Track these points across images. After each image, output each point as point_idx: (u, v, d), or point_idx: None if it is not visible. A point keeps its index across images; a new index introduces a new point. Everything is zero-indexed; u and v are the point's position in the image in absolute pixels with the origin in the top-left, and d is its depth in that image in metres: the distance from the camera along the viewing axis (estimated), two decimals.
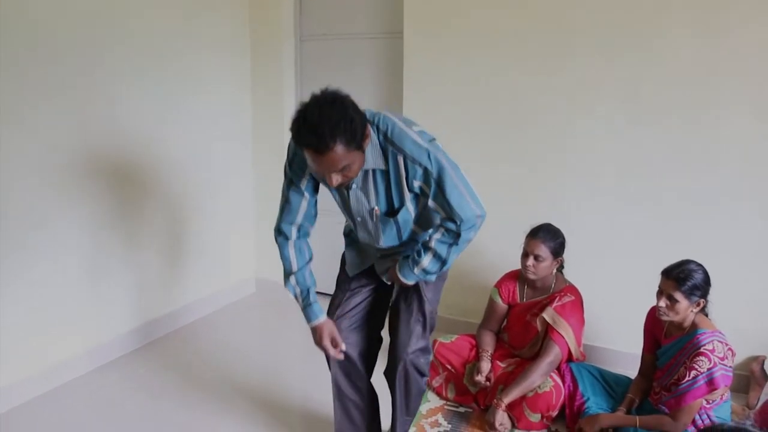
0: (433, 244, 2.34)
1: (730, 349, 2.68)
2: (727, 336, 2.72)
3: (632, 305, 3.27)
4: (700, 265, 2.72)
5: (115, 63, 3.62)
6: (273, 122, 4.64)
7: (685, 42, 3.31)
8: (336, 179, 2.10)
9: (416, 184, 2.25)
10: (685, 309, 2.69)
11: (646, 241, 3.54)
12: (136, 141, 3.83)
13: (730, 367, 2.66)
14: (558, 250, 3.19)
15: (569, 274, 3.35)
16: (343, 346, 2.47)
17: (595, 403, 3.03)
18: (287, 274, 2.57)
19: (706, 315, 2.76)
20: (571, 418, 3.06)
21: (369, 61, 4.43)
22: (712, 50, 3.27)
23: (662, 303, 2.73)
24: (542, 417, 3.06)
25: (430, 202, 2.27)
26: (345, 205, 2.47)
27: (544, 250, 3.15)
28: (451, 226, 2.29)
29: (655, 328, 2.96)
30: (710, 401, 2.72)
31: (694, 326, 2.73)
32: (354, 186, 2.30)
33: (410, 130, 2.22)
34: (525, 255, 3.20)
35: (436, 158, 2.20)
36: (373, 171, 2.26)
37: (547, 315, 3.16)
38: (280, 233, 2.61)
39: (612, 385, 3.12)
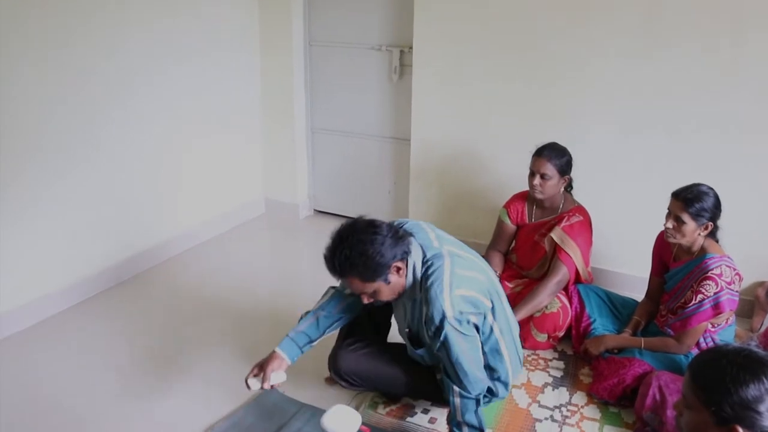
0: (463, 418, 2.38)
1: (737, 274, 2.69)
2: (736, 261, 2.73)
3: (641, 229, 3.28)
4: (711, 188, 2.70)
5: None
6: (281, 37, 4.55)
7: None
8: (365, 299, 2.31)
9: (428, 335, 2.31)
10: (692, 231, 2.69)
11: (657, 164, 3.52)
12: (139, 63, 3.79)
13: (737, 291, 2.69)
14: (565, 168, 3.18)
15: (578, 195, 3.35)
16: (266, 386, 2.45)
17: (601, 324, 3.08)
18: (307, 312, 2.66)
19: (717, 241, 2.77)
20: (577, 338, 3.11)
21: None
22: None
23: (669, 224, 2.73)
24: (549, 337, 3.12)
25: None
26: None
27: (550, 168, 3.14)
28: (466, 394, 2.35)
29: (663, 251, 2.98)
30: (715, 325, 2.76)
31: (702, 251, 2.74)
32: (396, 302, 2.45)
33: (450, 294, 2.21)
34: (531, 174, 3.20)
35: (446, 333, 2.22)
36: (410, 299, 2.36)
37: (555, 235, 3.17)
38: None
39: (618, 308, 3.17)
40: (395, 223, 2.36)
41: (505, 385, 2.55)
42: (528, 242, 3.35)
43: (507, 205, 3.42)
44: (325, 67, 4.64)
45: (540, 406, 2.79)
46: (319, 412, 2.53)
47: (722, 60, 3.26)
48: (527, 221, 3.36)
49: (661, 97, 3.43)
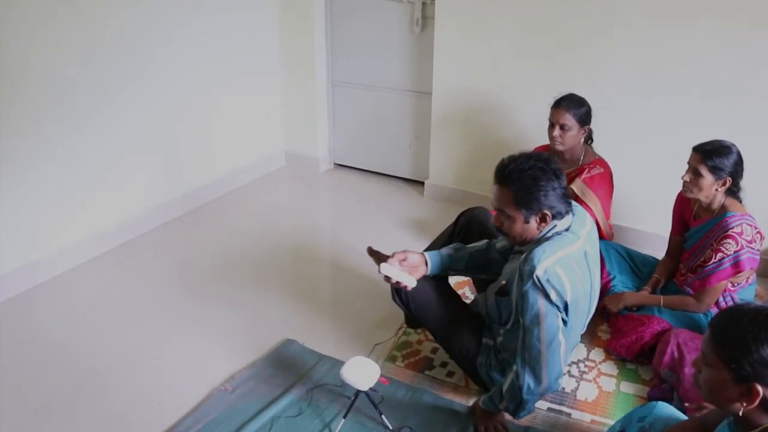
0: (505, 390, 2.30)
1: (759, 232, 2.67)
2: (758, 220, 2.71)
3: (663, 186, 3.24)
4: (733, 144, 2.66)
5: None
6: None
7: None
8: (496, 219, 2.28)
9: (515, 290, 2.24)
10: (709, 185, 2.66)
11: (682, 121, 3.46)
12: (161, 16, 3.78)
13: (758, 250, 2.67)
14: (584, 119, 3.15)
15: (600, 150, 3.32)
16: (395, 277, 2.38)
17: (620, 281, 3.08)
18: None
19: (740, 200, 2.74)
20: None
21: None
22: None
23: (687, 177, 2.70)
24: None
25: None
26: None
27: (569, 119, 3.11)
28: (516, 380, 2.23)
29: (684, 209, 2.95)
30: (735, 284, 2.75)
31: (723, 209, 2.71)
32: (513, 256, 2.38)
33: (553, 262, 2.12)
34: (551, 126, 3.17)
35: (528, 289, 2.14)
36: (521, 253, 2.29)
37: (576, 186, 3.16)
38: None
39: (638, 265, 3.16)
40: None
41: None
42: None
43: None
44: (346, 19, 4.58)
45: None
46: (338, 364, 2.57)
47: (754, 17, 3.18)
48: None
49: (690, 54, 3.36)
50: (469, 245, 2.59)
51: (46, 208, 3.38)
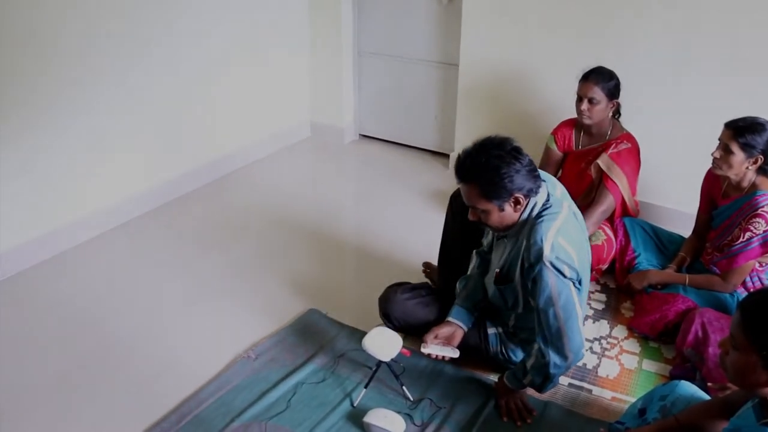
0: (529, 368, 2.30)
1: None
2: None
3: (691, 163, 3.20)
4: (767, 121, 2.61)
5: None
6: None
7: None
8: (471, 215, 2.26)
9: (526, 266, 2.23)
10: (739, 163, 2.61)
11: (714, 97, 3.39)
12: None
13: None
14: (612, 92, 3.10)
15: (627, 125, 3.27)
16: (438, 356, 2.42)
17: (645, 259, 3.06)
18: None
19: None
20: (621, 272, 3.10)
21: None
22: None
23: (717, 154, 2.66)
24: (592, 270, 3.10)
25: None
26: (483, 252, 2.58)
27: (597, 92, 3.07)
28: (541, 357, 2.23)
29: (713, 187, 2.91)
30: (763, 264, 2.71)
31: (753, 187, 2.67)
32: (498, 241, 2.40)
33: (554, 236, 2.13)
34: (579, 99, 3.13)
35: (540, 271, 2.14)
36: (514, 239, 2.29)
37: (602, 161, 3.13)
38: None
39: (664, 243, 3.13)
40: None
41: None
42: (575, 170, 3.30)
43: (554, 132, 3.37)
44: None
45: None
46: (360, 334, 2.59)
47: None
48: (574, 148, 3.31)
49: (725, 28, 3.29)
50: (469, 270, 2.61)
51: (69, 176, 3.41)
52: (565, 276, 2.13)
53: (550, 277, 2.13)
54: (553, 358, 2.19)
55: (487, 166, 2.11)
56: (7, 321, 2.91)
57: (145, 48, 3.60)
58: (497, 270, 2.37)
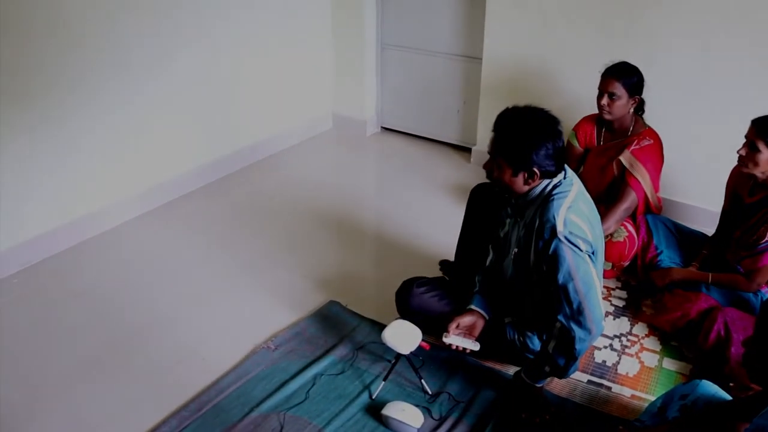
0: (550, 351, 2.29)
1: None
2: None
3: (717, 160, 3.16)
4: None
5: None
6: None
7: None
8: (486, 165, 2.28)
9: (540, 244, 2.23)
10: (766, 161, 2.56)
11: (740, 92, 3.35)
12: None
13: None
14: (634, 88, 3.06)
15: (651, 121, 3.23)
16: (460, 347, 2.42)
17: (668, 256, 3.02)
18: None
19: None
20: (643, 269, 3.07)
21: None
22: None
23: (743, 151, 2.62)
24: (613, 266, 3.09)
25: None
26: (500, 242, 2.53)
27: (618, 88, 3.03)
28: (565, 334, 2.21)
29: (739, 185, 2.86)
30: None
31: None
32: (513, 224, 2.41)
33: (565, 212, 2.16)
34: (600, 94, 3.10)
35: (556, 247, 2.16)
36: (526, 219, 2.31)
37: (624, 158, 3.10)
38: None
39: (687, 240, 3.09)
40: None
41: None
42: (597, 166, 3.27)
43: (576, 128, 3.34)
44: None
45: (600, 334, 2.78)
46: (379, 327, 2.59)
47: None
48: (596, 144, 3.29)
49: (752, 24, 3.24)
50: (487, 263, 2.60)
51: (97, 164, 3.45)
52: (581, 250, 2.16)
53: (567, 252, 2.15)
54: (578, 332, 2.19)
55: (521, 132, 2.16)
56: (31, 308, 2.96)
57: (176, 41, 3.67)
58: (515, 250, 2.38)
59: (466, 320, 2.45)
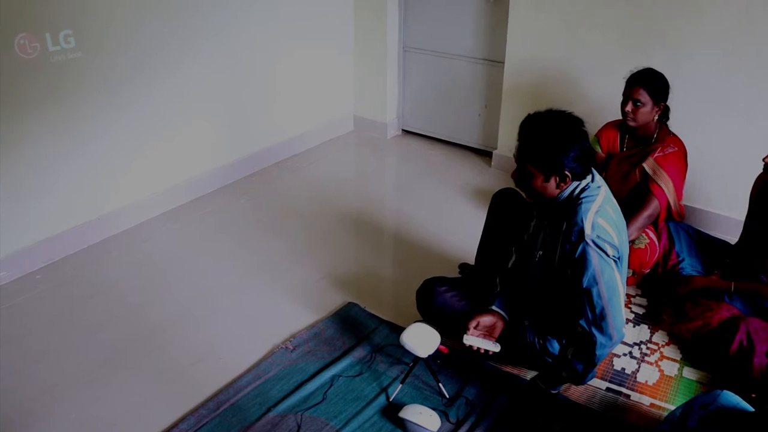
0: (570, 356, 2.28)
1: None
2: None
3: (741, 168, 3.13)
4: None
5: None
6: None
7: None
8: (514, 174, 2.27)
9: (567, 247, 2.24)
10: None
11: (763, 98, 3.32)
12: None
13: None
14: (660, 95, 3.03)
15: (675, 128, 3.21)
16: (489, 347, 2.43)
17: (689, 264, 2.99)
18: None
19: None
20: (664, 277, 3.04)
21: None
22: None
23: None
24: (634, 273, 3.06)
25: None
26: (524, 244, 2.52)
27: (643, 95, 3.01)
28: (586, 339, 2.21)
29: (764, 194, 2.84)
30: None
31: None
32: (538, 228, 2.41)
33: (593, 216, 2.17)
34: (624, 101, 3.08)
35: (583, 249, 2.16)
36: (553, 221, 2.31)
37: (648, 165, 3.07)
38: None
39: (710, 248, 3.06)
40: None
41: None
42: (620, 172, 3.25)
43: (599, 134, 3.32)
44: None
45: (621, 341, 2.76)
46: (398, 329, 2.59)
47: None
48: (619, 150, 3.26)
49: None
50: (509, 265, 2.60)
51: (119, 163, 3.48)
52: (607, 254, 2.15)
53: (593, 256, 2.14)
54: (599, 338, 2.18)
55: (549, 137, 2.15)
56: (53, 304, 2.99)
57: (197, 41, 3.69)
58: (540, 252, 2.37)
59: (486, 320, 2.45)
